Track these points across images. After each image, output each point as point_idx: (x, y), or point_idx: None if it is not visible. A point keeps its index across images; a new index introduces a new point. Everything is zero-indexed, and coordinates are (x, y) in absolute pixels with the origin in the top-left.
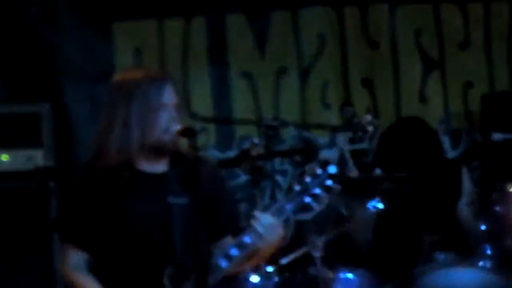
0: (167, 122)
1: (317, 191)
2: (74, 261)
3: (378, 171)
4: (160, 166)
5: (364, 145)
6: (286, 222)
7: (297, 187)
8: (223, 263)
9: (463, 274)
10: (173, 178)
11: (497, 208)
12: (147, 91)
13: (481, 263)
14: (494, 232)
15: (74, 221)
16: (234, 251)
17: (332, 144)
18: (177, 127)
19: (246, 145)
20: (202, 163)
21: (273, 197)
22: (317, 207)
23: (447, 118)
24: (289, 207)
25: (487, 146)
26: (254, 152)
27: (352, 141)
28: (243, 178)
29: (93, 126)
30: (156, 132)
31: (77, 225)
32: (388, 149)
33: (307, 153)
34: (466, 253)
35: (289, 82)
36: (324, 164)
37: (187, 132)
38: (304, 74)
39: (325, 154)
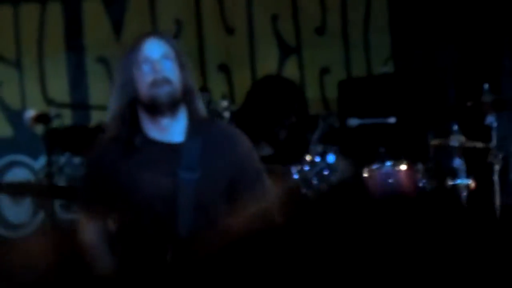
0: (152, 75)
1: (314, 180)
2: (91, 229)
3: None
4: (174, 135)
5: None
6: None
7: (295, 174)
8: None
9: None
10: (187, 151)
11: None
12: (132, 48)
13: None
14: None
15: (90, 191)
16: None
17: None
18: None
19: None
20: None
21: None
22: (311, 195)
23: None
24: None
25: (343, 132)
26: None
27: None
28: None
29: None
30: (144, 87)
31: (93, 195)
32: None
33: None
34: None
35: None
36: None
37: (42, 118)
38: None
39: None
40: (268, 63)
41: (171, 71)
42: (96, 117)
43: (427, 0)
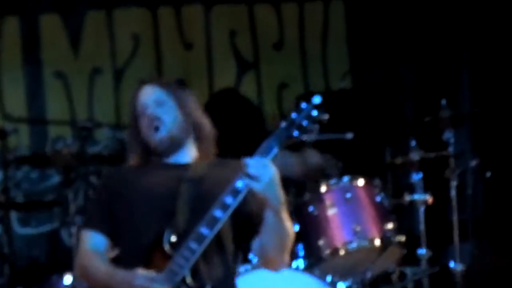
0: (147, 122)
1: (304, 123)
2: (92, 242)
3: None
4: (185, 157)
5: None
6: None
7: (283, 123)
8: (219, 214)
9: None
10: (193, 168)
11: (310, 209)
12: (134, 94)
13: (293, 263)
14: (306, 233)
15: (96, 208)
16: (229, 199)
17: None
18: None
19: (60, 146)
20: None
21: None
22: (306, 138)
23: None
24: (276, 142)
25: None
26: (67, 153)
27: None
28: (56, 178)
29: None
30: (145, 134)
31: (98, 212)
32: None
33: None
34: None
35: (103, 83)
36: (308, 96)
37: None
38: (119, 75)
39: None
40: (226, 78)
41: (166, 115)
42: (53, 132)
43: (385, 14)
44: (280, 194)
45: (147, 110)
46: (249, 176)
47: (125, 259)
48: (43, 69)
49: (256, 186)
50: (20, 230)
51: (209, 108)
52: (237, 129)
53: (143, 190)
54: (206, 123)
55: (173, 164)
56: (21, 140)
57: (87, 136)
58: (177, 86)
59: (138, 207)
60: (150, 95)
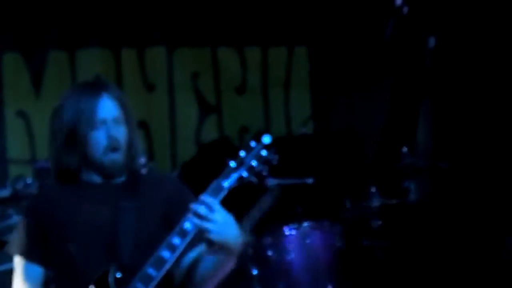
0: (106, 141)
1: (254, 163)
2: (29, 275)
3: None
4: (116, 179)
5: None
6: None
7: (232, 163)
8: (166, 255)
9: None
10: (127, 186)
11: (270, 253)
12: (82, 106)
13: None
14: (266, 277)
15: (27, 237)
16: (176, 240)
17: None
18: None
19: (20, 185)
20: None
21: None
22: (255, 180)
23: None
24: (226, 183)
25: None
26: (27, 193)
27: None
28: (15, 218)
29: None
30: (96, 151)
31: (31, 241)
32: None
33: None
34: None
35: None
36: (258, 135)
37: None
38: None
39: None
40: (188, 121)
41: (122, 136)
42: (14, 171)
43: (348, 60)
44: (238, 234)
45: (108, 130)
46: (198, 216)
47: None
48: (5, 108)
49: (208, 227)
50: None
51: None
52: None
53: (80, 219)
54: (138, 137)
55: (105, 184)
56: None
57: (48, 177)
58: (124, 97)
59: (77, 238)
60: (109, 111)
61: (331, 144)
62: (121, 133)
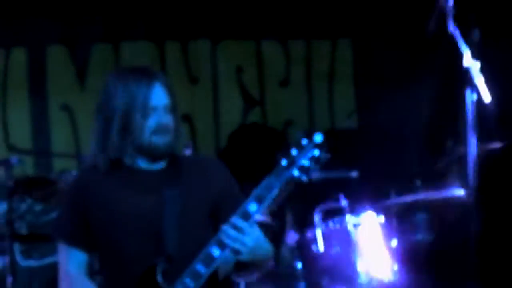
0: (156, 125)
1: (305, 163)
2: (73, 261)
3: None
4: (159, 164)
5: None
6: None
7: (283, 161)
8: (216, 252)
9: None
10: (170, 173)
11: (314, 247)
12: (135, 93)
13: None
14: (310, 271)
15: (72, 219)
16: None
17: None
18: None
19: (65, 178)
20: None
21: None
22: (305, 179)
23: None
24: (276, 182)
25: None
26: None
27: None
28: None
29: None
30: (145, 134)
31: (74, 225)
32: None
33: None
34: None
35: None
36: (309, 133)
37: (4, 164)
38: None
39: None
40: (232, 114)
41: (171, 123)
42: (58, 165)
43: (393, 53)
44: (268, 252)
45: (159, 117)
46: (226, 247)
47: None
48: (49, 101)
49: (240, 249)
50: (23, 262)
51: (238, 138)
52: (263, 156)
53: (125, 207)
54: (181, 127)
55: (149, 170)
56: (25, 172)
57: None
58: (172, 86)
59: (122, 226)
60: (161, 99)
61: (375, 137)
62: (169, 120)
